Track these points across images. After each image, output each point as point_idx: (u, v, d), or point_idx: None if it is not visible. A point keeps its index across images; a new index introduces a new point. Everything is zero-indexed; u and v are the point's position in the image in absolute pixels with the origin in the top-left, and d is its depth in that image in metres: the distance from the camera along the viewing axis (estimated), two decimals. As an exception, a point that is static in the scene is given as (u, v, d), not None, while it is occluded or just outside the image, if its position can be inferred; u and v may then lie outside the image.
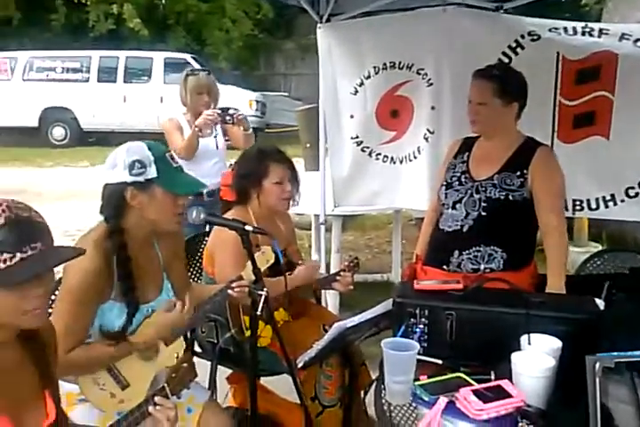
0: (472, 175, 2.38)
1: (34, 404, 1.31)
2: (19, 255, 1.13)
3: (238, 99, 12.63)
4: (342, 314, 3.39)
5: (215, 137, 3.45)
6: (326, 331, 2.33)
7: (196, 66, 12.64)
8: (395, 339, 1.65)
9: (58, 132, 12.71)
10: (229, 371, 2.53)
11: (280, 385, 2.48)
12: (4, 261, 1.12)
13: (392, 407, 1.54)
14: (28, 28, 14.34)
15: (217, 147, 3.47)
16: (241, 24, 15.18)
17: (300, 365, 2.01)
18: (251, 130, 3.51)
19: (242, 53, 15.79)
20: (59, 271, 1.90)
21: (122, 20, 14.02)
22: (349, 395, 2.40)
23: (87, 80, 12.49)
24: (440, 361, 1.71)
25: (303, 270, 2.37)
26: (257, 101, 12.84)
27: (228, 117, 3.35)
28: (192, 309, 1.84)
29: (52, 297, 2.01)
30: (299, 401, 2.25)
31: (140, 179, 1.72)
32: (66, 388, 1.71)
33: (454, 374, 1.56)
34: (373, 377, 2.38)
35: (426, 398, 1.45)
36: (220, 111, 3.34)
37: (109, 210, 1.76)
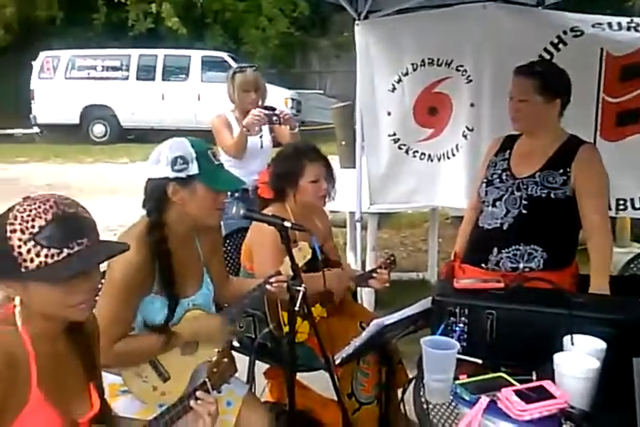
0: (513, 173, 2.34)
1: (79, 396, 1.34)
2: (66, 251, 1.15)
3: (274, 97, 12.56)
4: (377, 312, 3.38)
5: (261, 137, 3.41)
6: (363, 328, 2.33)
7: (233, 64, 12.78)
8: (434, 337, 1.64)
9: (98, 130, 12.99)
10: (266, 366, 2.55)
11: (316, 381, 2.50)
12: (52, 256, 1.15)
13: (431, 406, 1.53)
14: (71, 28, 14.69)
15: (261, 146, 3.43)
16: (277, 22, 15.25)
17: (337, 361, 2.00)
18: (297, 129, 3.46)
19: (278, 52, 15.86)
20: (103, 266, 1.96)
21: (160, 18, 14.24)
22: (386, 393, 2.40)
23: (127, 78, 12.74)
24: (480, 361, 1.69)
25: (338, 275, 2.36)
26: (292, 99, 12.90)
27: (274, 118, 3.30)
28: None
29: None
30: (335, 397, 2.26)
31: (182, 175, 1.74)
32: (109, 379, 1.74)
33: (495, 374, 1.54)
34: (410, 376, 2.40)
35: (467, 398, 1.44)
36: (266, 111, 3.29)
37: (151, 204, 1.79)
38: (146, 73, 12.72)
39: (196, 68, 12.74)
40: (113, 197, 7.66)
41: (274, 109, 3.36)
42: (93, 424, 1.30)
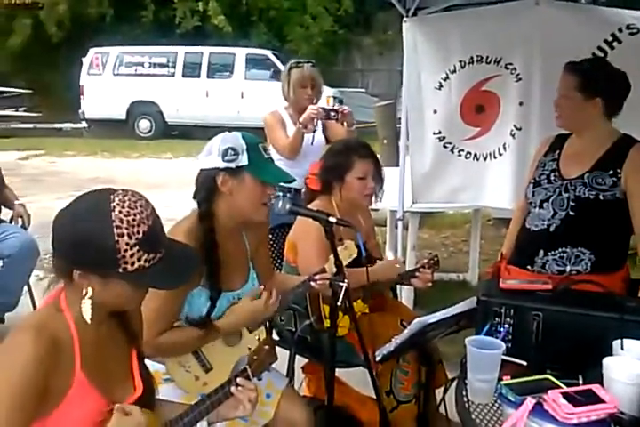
0: (562, 174, 2.29)
1: (122, 379, 1.37)
2: (158, 255, 1.23)
3: (316, 95, 12.74)
4: (416, 312, 3.35)
5: (314, 131, 3.28)
6: (404, 326, 2.32)
7: (277, 62, 12.85)
8: (480, 337, 1.62)
9: (144, 125, 13.22)
10: (304, 361, 2.56)
11: (353, 378, 2.49)
12: (149, 260, 1.22)
13: (474, 406, 1.51)
14: (120, 25, 15.00)
15: (312, 142, 3.30)
16: (321, 20, 15.25)
17: (377, 358, 2.00)
18: (354, 126, 3.34)
19: (321, 50, 15.85)
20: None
21: (207, 16, 14.41)
22: (425, 392, 2.38)
23: (173, 75, 12.92)
24: (524, 362, 1.66)
25: (385, 266, 2.37)
26: (334, 97, 12.86)
27: (332, 113, 3.17)
28: (278, 300, 1.87)
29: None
30: (372, 395, 2.25)
31: (232, 165, 1.77)
32: (153, 367, 1.77)
33: (542, 376, 1.51)
34: (450, 377, 2.38)
35: (512, 398, 1.41)
36: (325, 106, 3.18)
37: (202, 195, 1.83)
38: (191, 70, 12.87)
39: (240, 66, 12.85)
40: (156, 191, 7.81)
41: (334, 104, 3.27)
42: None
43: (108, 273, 1.21)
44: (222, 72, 12.95)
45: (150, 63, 13.02)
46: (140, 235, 1.20)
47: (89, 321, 1.25)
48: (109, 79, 12.94)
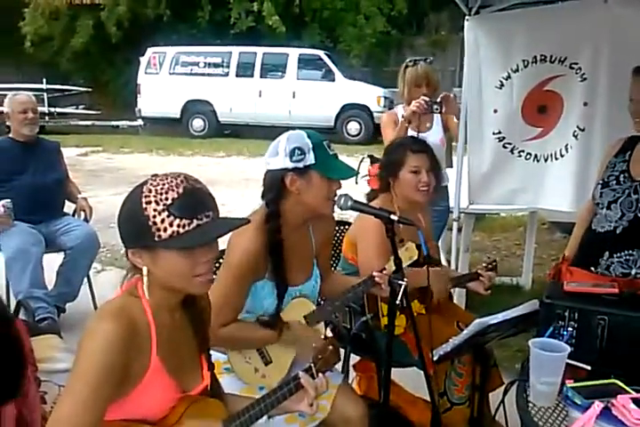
0: (632, 175, 2.23)
1: (192, 367, 1.41)
2: (195, 222, 1.23)
3: (367, 95, 12.73)
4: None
5: (429, 128, 3.23)
6: (460, 328, 2.30)
7: (329, 62, 12.89)
8: (544, 339, 1.59)
9: (197, 124, 13.42)
10: (355, 359, 2.55)
11: (404, 378, 2.48)
12: (183, 226, 1.22)
13: (536, 409, 1.48)
14: (177, 25, 15.31)
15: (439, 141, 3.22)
16: (374, 21, 15.20)
17: (434, 358, 1.98)
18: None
19: (373, 50, 15.82)
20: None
21: (261, 17, 14.54)
22: (480, 394, 2.35)
23: (227, 75, 13.08)
24: (589, 367, 1.62)
25: (437, 278, 2.31)
26: (385, 97, 12.83)
27: (435, 106, 3.11)
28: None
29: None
30: (423, 396, 2.22)
31: (300, 165, 1.80)
32: (214, 356, 1.80)
33: (609, 380, 1.47)
34: (505, 381, 2.34)
35: (579, 402, 1.38)
36: (426, 99, 3.10)
37: (270, 195, 1.86)
38: (245, 70, 13.01)
39: (293, 66, 12.92)
40: (209, 188, 7.98)
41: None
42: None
43: (149, 245, 1.24)
44: (275, 72, 13.05)
45: (205, 63, 13.21)
46: (169, 201, 1.22)
47: (147, 297, 1.28)
48: (165, 78, 13.20)
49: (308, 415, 1.79)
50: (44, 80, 13.82)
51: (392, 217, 1.84)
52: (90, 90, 15.37)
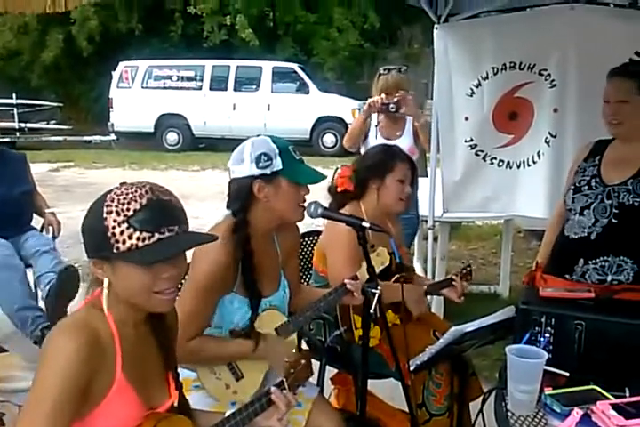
0: (603, 180, 2.21)
1: (159, 384, 1.34)
2: (157, 235, 1.17)
3: (341, 107, 12.78)
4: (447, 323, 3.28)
5: (400, 135, 3.30)
6: (437, 337, 2.26)
7: (303, 75, 12.92)
8: (521, 346, 1.56)
9: (171, 138, 13.31)
10: (333, 372, 2.50)
11: (381, 390, 2.43)
12: (143, 239, 1.16)
13: (514, 418, 1.44)
14: (149, 39, 15.24)
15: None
16: (347, 34, 15.33)
17: (411, 368, 1.94)
18: (424, 119, 3.32)
19: (347, 63, 15.94)
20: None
21: (234, 30, 14.56)
22: (459, 404, 2.30)
23: (200, 88, 13.03)
24: (567, 373, 1.59)
25: (413, 294, 2.28)
26: (359, 110, 12.84)
27: (391, 105, 3.19)
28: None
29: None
30: (401, 408, 2.17)
31: (267, 171, 1.75)
32: (183, 373, 1.73)
33: (588, 387, 1.44)
34: (485, 390, 2.30)
35: (558, 410, 1.35)
36: (384, 101, 3.19)
37: (237, 204, 1.80)
38: (218, 83, 12.97)
39: (267, 79, 12.92)
40: (183, 202, 7.90)
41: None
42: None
43: (107, 256, 1.18)
44: (249, 85, 13.03)
45: (178, 76, 13.14)
46: (130, 212, 1.17)
47: (106, 311, 1.22)
48: (138, 92, 13.08)
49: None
50: (14, 95, 13.62)
51: (364, 224, 1.80)
52: (61, 105, 15.16)
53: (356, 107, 12.76)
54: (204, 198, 7.75)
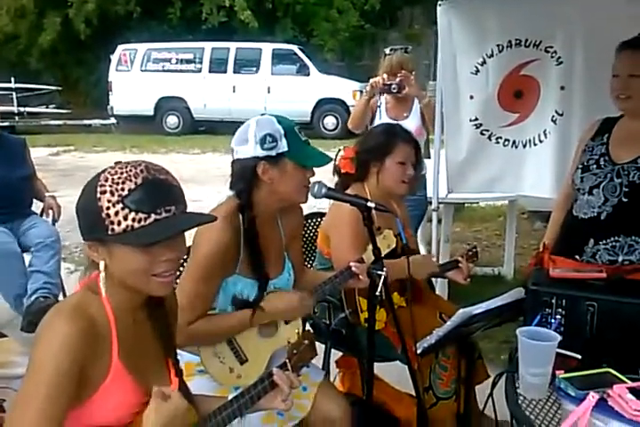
0: (612, 158, 2.16)
1: (158, 371, 1.31)
2: (153, 216, 1.12)
3: (342, 89, 12.66)
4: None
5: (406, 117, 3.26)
6: (443, 320, 2.22)
7: (303, 57, 12.78)
8: (532, 327, 1.51)
9: (172, 121, 13.25)
10: (338, 355, 2.47)
11: (388, 373, 2.40)
12: (139, 220, 1.12)
13: (526, 402, 1.41)
14: (147, 22, 15.09)
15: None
16: (347, 15, 15.19)
17: (418, 351, 1.91)
18: (428, 98, 3.28)
19: (347, 44, 15.79)
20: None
21: (233, 12, 14.39)
22: (465, 388, 2.28)
23: (199, 71, 12.92)
24: (579, 356, 1.55)
25: (421, 261, 2.25)
26: (360, 91, 12.70)
27: (393, 86, 3.16)
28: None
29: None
30: (408, 391, 2.15)
31: (272, 153, 1.69)
32: (186, 358, 1.72)
33: (603, 369, 1.40)
34: (491, 373, 2.27)
35: (572, 393, 1.31)
36: (386, 82, 3.18)
37: (241, 185, 1.75)
38: (218, 66, 12.85)
39: (267, 61, 12.80)
40: (185, 186, 7.85)
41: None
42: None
43: (103, 238, 1.14)
44: (249, 67, 12.91)
45: (177, 59, 13.03)
46: (125, 192, 1.12)
47: (103, 295, 1.18)
48: (137, 75, 12.98)
49: (287, 414, 1.71)
50: (13, 79, 13.51)
51: (369, 204, 1.76)
52: (60, 88, 15.06)
53: (356, 88, 12.65)
54: (205, 182, 7.70)
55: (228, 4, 14.32)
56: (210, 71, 12.87)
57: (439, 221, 3.81)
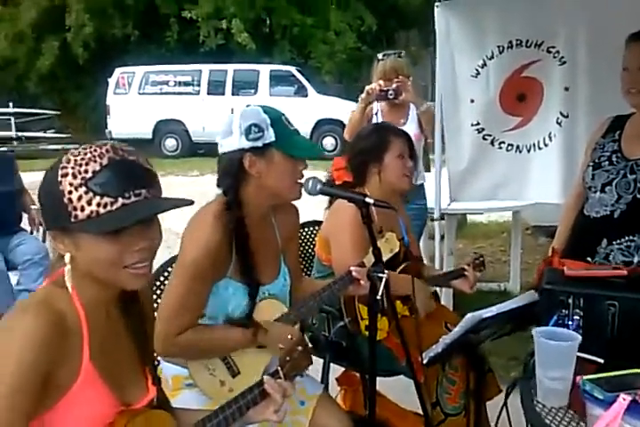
0: (625, 154, 2.05)
1: (134, 377, 1.17)
2: (121, 201, 1.00)
3: (341, 110, 12.63)
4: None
5: (404, 124, 3.17)
6: (449, 329, 2.08)
7: (301, 78, 12.80)
8: (549, 328, 1.38)
9: (170, 144, 13.20)
10: (339, 372, 2.32)
11: (390, 389, 2.25)
12: (104, 205, 1.00)
13: (547, 410, 1.26)
14: (145, 45, 15.19)
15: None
16: (345, 37, 15.27)
17: (424, 361, 1.76)
18: (426, 105, 3.18)
19: (344, 66, 15.85)
20: (170, 247, 1.79)
21: (230, 34, 14.47)
22: (475, 403, 2.12)
23: (198, 93, 12.92)
24: (601, 360, 1.41)
25: (422, 291, 2.13)
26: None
27: (390, 92, 3.07)
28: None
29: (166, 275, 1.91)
30: (413, 409, 2.00)
31: (258, 144, 1.58)
32: (173, 371, 1.59)
33: (632, 370, 1.26)
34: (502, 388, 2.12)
35: (600, 396, 1.16)
36: (383, 87, 3.09)
37: (227, 180, 1.63)
38: (216, 88, 12.86)
39: (265, 83, 12.82)
40: (184, 208, 7.81)
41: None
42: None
43: (67, 227, 1.02)
44: (247, 89, 12.91)
45: (175, 82, 13.04)
46: (89, 174, 1.00)
47: (69, 289, 1.05)
48: (135, 98, 12.98)
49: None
50: (11, 104, 13.52)
51: (367, 200, 1.63)
52: (59, 113, 15.06)
53: (354, 109, 12.63)
54: (203, 203, 7.61)
55: (226, 26, 14.40)
56: (208, 93, 12.87)
57: (442, 237, 3.69)
